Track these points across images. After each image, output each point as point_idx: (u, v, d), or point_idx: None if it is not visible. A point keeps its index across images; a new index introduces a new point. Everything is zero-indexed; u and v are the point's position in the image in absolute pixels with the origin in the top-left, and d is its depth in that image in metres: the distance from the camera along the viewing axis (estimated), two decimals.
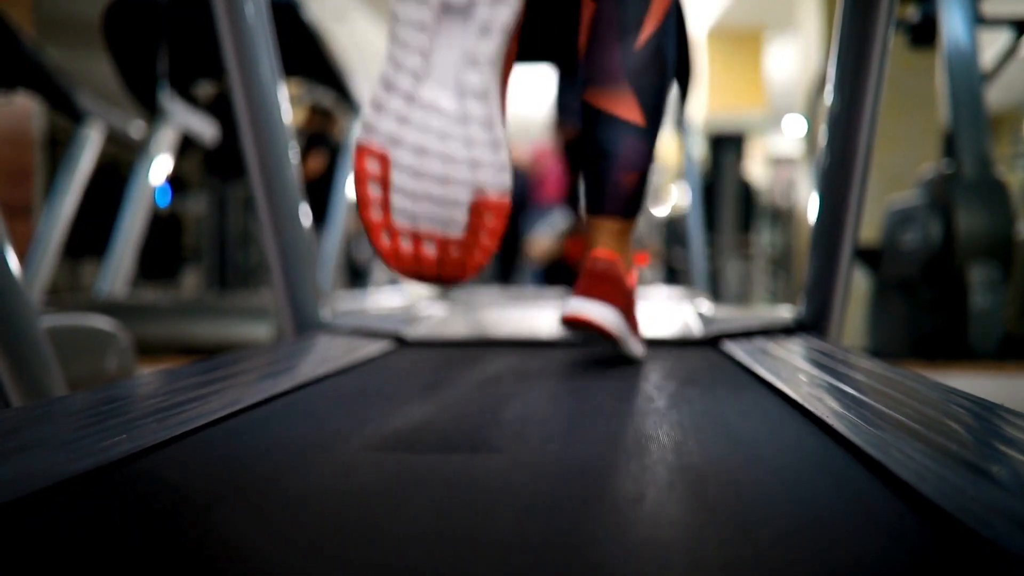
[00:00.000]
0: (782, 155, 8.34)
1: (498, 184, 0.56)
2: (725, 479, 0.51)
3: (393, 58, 0.55)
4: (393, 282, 5.56)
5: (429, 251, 0.57)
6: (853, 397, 0.72)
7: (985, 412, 0.62)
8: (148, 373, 0.90)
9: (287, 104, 1.35)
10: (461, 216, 0.56)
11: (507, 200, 0.57)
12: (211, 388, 0.80)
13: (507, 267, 5.11)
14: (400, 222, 0.56)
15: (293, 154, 1.35)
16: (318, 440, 0.63)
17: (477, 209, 0.56)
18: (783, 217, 5.98)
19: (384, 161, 0.54)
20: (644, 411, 0.73)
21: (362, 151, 0.55)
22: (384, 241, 0.58)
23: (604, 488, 0.50)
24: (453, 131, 0.53)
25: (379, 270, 5.51)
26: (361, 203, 0.57)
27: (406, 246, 0.57)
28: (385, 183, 0.54)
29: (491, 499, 0.48)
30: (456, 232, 0.56)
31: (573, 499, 0.47)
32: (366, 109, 0.56)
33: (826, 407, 0.67)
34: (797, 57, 5.49)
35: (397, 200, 0.55)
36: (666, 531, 0.42)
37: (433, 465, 0.55)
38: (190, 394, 0.76)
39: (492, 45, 0.53)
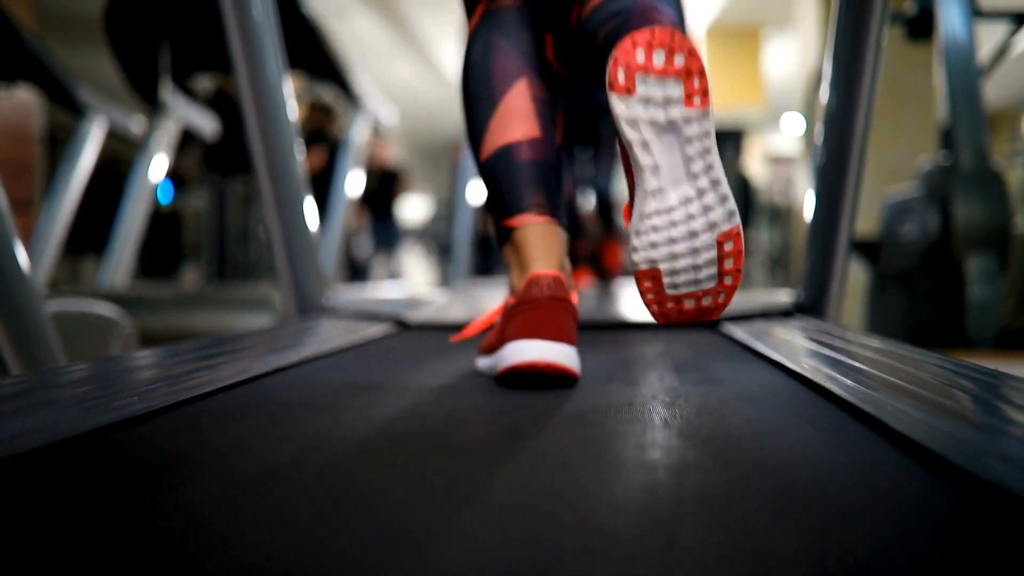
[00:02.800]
0: (780, 154, 8.36)
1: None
2: (727, 434, 0.53)
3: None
4: (393, 277, 5.58)
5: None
6: (850, 365, 0.73)
7: (979, 375, 0.64)
8: (156, 348, 0.92)
9: (292, 97, 1.36)
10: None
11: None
12: (219, 360, 0.81)
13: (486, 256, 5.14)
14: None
15: (298, 145, 1.36)
16: (330, 402, 0.64)
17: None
18: (781, 215, 5.99)
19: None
20: (640, 381, 0.75)
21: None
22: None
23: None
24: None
25: (379, 266, 5.53)
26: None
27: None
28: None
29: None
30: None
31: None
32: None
33: (823, 373, 0.69)
34: (796, 55, 5.51)
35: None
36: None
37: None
38: (198, 364, 0.77)
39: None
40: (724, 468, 0.44)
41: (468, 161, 3.17)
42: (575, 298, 0.78)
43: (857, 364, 0.73)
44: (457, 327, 1.30)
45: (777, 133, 8.94)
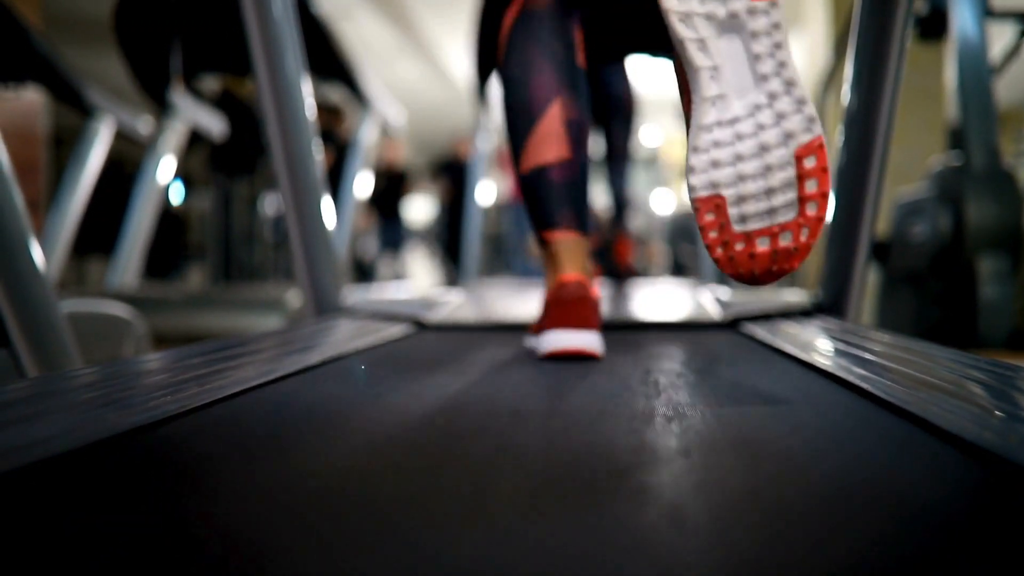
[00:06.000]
0: None
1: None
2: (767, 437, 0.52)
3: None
4: (398, 278, 5.58)
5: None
6: (881, 364, 0.73)
7: (1011, 372, 0.63)
8: (178, 348, 0.91)
9: (311, 98, 1.36)
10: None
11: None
12: (245, 360, 0.81)
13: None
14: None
15: (316, 145, 1.36)
16: (354, 403, 0.64)
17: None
18: None
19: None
20: (675, 383, 0.74)
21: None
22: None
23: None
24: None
25: (384, 267, 5.53)
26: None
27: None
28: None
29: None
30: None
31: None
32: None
33: (855, 373, 0.68)
34: (803, 54, 5.50)
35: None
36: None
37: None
38: (225, 364, 0.77)
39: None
40: (794, 469, 0.44)
41: (477, 161, 3.17)
42: (596, 292, 0.91)
43: (890, 364, 0.73)
44: (473, 327, 1.30)
45: None
